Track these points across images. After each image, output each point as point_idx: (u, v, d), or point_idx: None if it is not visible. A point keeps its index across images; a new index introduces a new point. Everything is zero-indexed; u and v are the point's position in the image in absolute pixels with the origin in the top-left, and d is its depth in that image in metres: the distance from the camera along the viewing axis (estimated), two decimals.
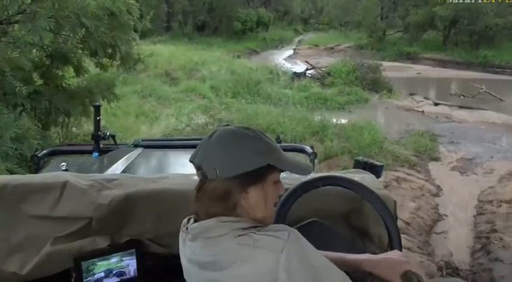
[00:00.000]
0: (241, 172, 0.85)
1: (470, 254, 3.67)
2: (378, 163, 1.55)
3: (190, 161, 0.91)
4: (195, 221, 0.91)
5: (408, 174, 5.46)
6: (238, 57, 17.66)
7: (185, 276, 0.93)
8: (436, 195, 4.99)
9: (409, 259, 1.02)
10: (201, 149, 0.89)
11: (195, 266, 0.88)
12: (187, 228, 0.91)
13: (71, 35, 3.53)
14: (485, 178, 5.53)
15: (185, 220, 0.96)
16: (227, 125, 0.96)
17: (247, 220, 0.88)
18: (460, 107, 10.04)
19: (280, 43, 26.44)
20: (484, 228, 4.08)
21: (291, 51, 23.47)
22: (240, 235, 0.84)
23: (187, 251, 0.91)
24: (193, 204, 0.92)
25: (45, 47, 3.72)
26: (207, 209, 0.89)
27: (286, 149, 2.53)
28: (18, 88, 3.36)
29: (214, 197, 0.87)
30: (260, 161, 0.87)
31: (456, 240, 3.89)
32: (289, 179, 1.39)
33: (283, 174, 0.96)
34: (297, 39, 28.82)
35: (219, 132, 0.90)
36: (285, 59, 19.49)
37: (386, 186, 4.50)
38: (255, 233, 0.84)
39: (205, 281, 0.87)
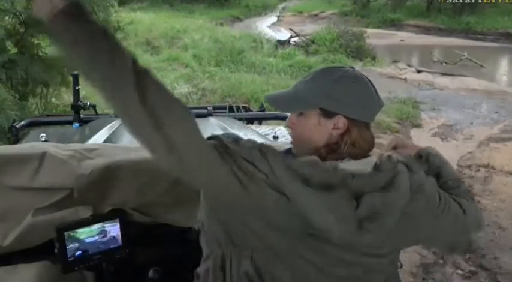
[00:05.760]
0: None
1: None
2: None
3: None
4: None
5: None
6: (221, 24, 17.27)
7: None
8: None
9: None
10: None
11: None
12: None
13: None
14: (465, 144, 5.66)
15: None
16: None
17: None
18: (442, 74, 10.12)
19: (263, 10, 25.89)
20: None
21: (274, 19, 23.04)
22: None
23: None
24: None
25: (18, 13, 3.57)
26: None
27: (270, 117, 2.55)
28: None
29: None
30: None
31: None
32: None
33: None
34: (280, 6, 28.23)
35: None
36: (268, 27, 19.16)
37: None
38: None
39: None
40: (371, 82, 0.95)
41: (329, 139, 0.91)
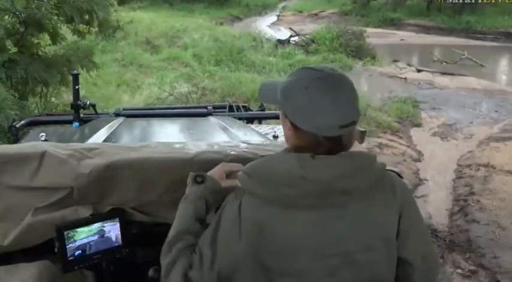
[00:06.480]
0: None
1: (449, 216, 3.79)
2: (361, 129, 1.56)
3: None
4: None
5: (390, 140, 5.54)
6: (221, 24, 17.26)
7: None
8: (417, 160, 5.09)
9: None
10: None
11: None
12: None
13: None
14: (465, 143, 5.65)
15: None
16: None
17: None
18: (442, 74, 10.12)
19: (263, 9, 25.86)
20: (463, 191, 4.20)
21: (274, 18, 23.03)
22: None
23: None
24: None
25: (18, 13, 3.57)
26: None
27: (269, 117, 2.55)
28: None
29: None
30: None
31: (435, 203, 4.00)
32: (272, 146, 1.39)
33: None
34: (280, 6, 28.18)
35: None
36: (268, 26, 19.15)
37: None
38: None
39: None
40: (345, 95, 0.88)
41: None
